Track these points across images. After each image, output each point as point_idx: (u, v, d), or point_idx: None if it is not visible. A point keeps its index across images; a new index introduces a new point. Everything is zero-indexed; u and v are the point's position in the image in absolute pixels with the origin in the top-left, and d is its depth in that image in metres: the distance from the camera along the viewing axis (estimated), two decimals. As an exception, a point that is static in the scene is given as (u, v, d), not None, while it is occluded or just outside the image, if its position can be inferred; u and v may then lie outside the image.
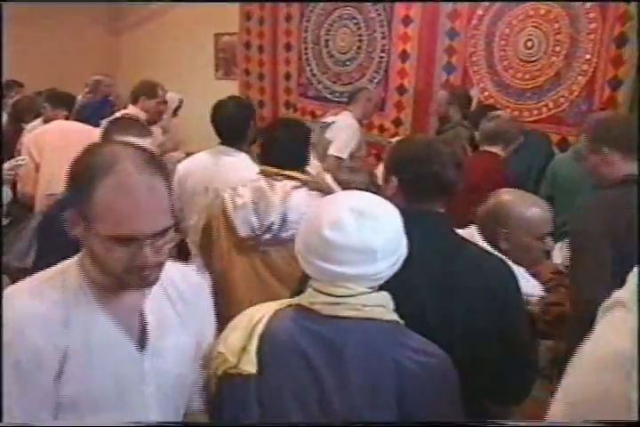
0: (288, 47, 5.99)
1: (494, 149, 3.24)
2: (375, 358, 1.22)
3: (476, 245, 1.70)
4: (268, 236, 2.22)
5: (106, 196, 1.06)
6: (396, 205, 1.33)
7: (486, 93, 4.61)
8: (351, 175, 3.37)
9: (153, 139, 2.08)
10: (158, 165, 1.12)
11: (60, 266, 1.21)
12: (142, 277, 1.12)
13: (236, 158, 2.72)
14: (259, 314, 1.31)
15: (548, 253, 1.90)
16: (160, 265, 1.14)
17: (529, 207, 1.82)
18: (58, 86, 4.88)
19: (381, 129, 5.23)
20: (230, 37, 6.66)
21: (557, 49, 4.18)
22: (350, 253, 1.21)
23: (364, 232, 1.21)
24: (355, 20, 5.39)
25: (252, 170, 2.43)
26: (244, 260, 2.27)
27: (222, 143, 2.76)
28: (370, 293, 1.25)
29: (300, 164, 2.34)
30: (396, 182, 1.64)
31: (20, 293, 1.15)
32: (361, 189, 3.24)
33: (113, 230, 1.06)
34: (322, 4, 5.59)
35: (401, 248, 1.28)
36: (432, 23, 4.83)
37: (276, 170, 2.28)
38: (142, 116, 3.94)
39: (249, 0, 6.16)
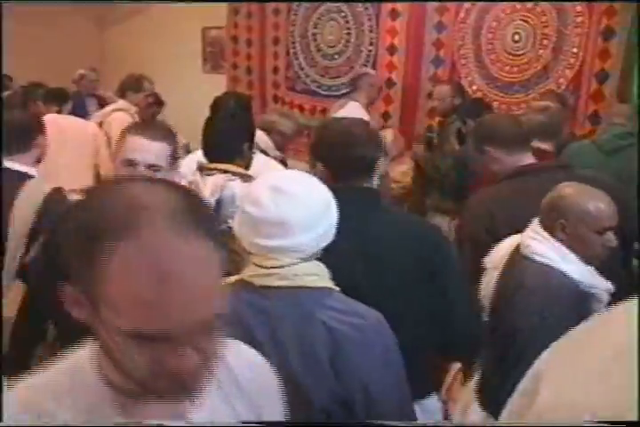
0: (276, 41, 5.97)
1: (544, 146, 2.69)
2: (306, 323, 1.29)
3: (408, 214, 1.82)
4: None
5: (122, 272, 0.68)
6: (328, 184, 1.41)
7: (474, 87, 4.64)
8: (279, 118, 3.27)
9: (176, 145, 1.87)
10: (205, 217, 0.75)
11: (70, 361, 0.83)
12: (180, 384, 0.74)
13: (257, 157, 2.65)
14: None
15: (610, 249, 1.83)
16: (206, 366, 0.76)
17: (589, 200, 1.81)
18: (44, 80, 4.86)
19: (370, 122, 5.26)
20: (218, 31, 6.63)
21: (545, 42, 4.21)
22: (267, 227, 1.29)
23: (280, 207, 1.29)
24: (342, 14, 5.39)
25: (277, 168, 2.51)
26: None
27: None
28: (300, 263, 1.32)
29: (234, 157, 2.33)
30: (322, 167, 1.76)
31: (12, 405, 0.78)
32: (285, 134, 3.23)
33: (134, 324, 0.69)
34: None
35: (325, 222, 1.34)
36: (420, 16, 4.84)
37: (208, 164, 2.29)
38: (134, 110, 3.95)
39: (239, 0, 6.14)
